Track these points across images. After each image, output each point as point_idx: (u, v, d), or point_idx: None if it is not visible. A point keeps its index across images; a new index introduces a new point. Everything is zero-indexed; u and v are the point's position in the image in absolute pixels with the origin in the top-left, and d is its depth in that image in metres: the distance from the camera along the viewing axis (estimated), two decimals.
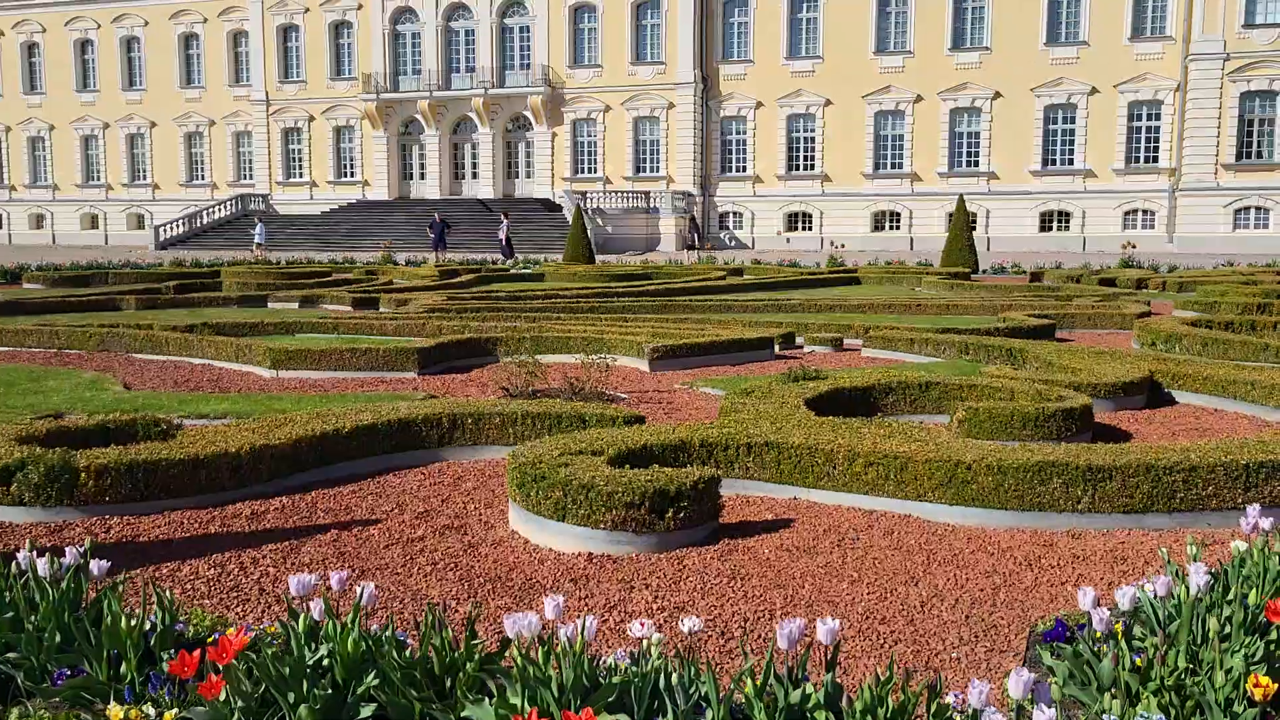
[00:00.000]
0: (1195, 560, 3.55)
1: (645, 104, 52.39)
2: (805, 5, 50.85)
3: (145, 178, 61.92)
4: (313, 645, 3.13)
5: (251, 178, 59.46)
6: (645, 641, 2.91)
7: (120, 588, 3.48)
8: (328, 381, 10.29)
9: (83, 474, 5.58)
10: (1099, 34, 46.86)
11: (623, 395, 9.38)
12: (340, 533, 5.36)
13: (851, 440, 5.94)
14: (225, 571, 4.76)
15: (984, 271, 29.38)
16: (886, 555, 5.01)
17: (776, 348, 12.33)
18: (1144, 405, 8.85)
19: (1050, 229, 48.44)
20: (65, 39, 62.27)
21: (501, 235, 37.92)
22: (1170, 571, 3.58)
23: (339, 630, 3.08)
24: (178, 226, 53.63)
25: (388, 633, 3.11)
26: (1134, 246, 34.42)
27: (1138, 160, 47.30)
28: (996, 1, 48.12)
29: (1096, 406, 8.38)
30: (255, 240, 43.88)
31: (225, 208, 56.22)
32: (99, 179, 62.85)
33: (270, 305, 18.82)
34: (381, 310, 17.16)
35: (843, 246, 42.85)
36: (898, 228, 50.41)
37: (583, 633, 2.88)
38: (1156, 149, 47.08)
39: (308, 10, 56.92)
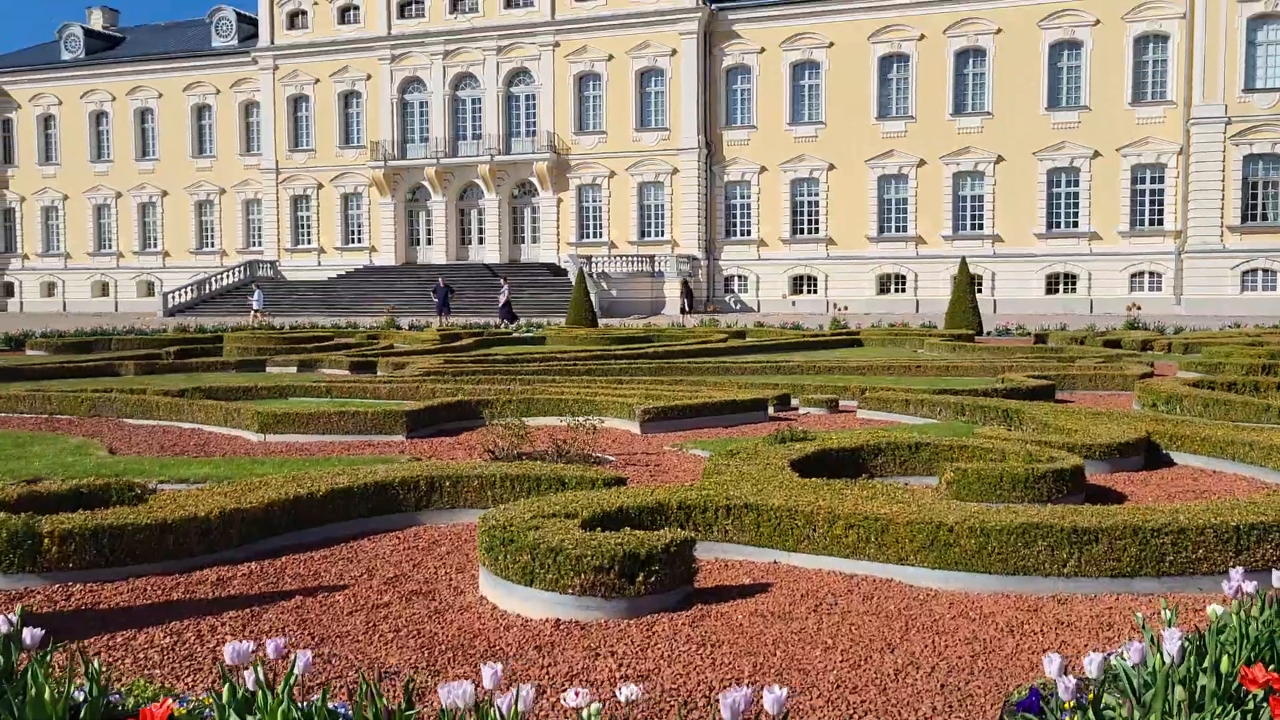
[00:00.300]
0: (1170, 625, 3.40)
1: (650, 169, 52.91)
2: (807, 72, 51.53)
3: (156, 245, 62.58)
4: (245, 717, 3.00)
5: (260, 244, 60.02)
6: (584, 712, 2.78)
7: (50, 657, 3.35)
8: (315, 445, 10.20)
9: (46, 540, 5.47)
10: (1100, 99, 47.31)
11: (610, 457, 9.26)
12: (305, 599, 5.23)
13: (832, 502, 5.81)
14: (181, 640, 4.62)
15: (988, 333, 29.30)
16: (863, 621, 4.85)
17: (771, 409, 12.22)
18: (1141, 467, 8.68)
19: (1057, 291, 48.46)
20: (81, 111, 63.38)
21: (501, 299, 38.05)
22: (1146, 637, 3.43)
23: (268, 701, 2.95)
24: (186, 293, 54.03)
25: (320, 703, 2.98)
26: (1139, 308, 34.34)
27: (1143, 223, 47.45)
28: (997, 68, 48.69)
29: (1091, 468, 8.24)
30: (254, 307, 44.19)
31: (233, 274, 56.68)
32: (110, 247, 63.53)
33: (268, 370, 18.80)
34: (378, 374, 17.11)
35: (845, 309, 42.87)
36: (903, 290, 50.49)
37: (518, 703, 2.74)
38: (1161, 211, 47.23)
39: (318, 81, 57.86)
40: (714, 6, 51.69)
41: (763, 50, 51.71)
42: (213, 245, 61.47)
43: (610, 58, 53.01)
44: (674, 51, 52.10)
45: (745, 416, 11.42)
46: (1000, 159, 49.01)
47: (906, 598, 5.22)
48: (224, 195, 60.84)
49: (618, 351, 19.98)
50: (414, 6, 56.15)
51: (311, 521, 6.44)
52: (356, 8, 57.13)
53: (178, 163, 61.51)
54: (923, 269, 49.84)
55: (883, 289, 50.86)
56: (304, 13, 58.10)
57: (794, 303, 51.03)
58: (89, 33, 65.23)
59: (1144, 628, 3.52)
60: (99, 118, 63.45)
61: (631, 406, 10.92)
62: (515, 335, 28.00)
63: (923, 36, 49.64)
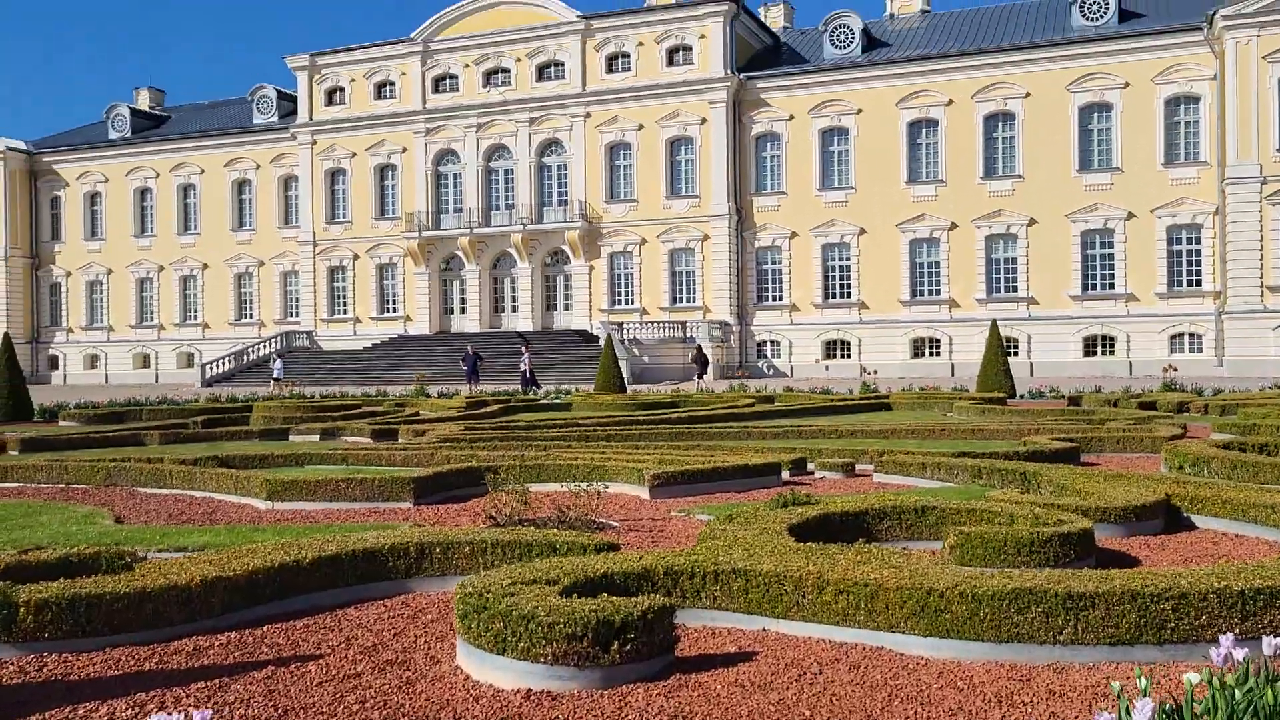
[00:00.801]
0: (1144, 695, 3.22)
1: (680, 236, 53.21)
2: (836, 138, 51.84)
3: (196, 317, 63.59)
4: None
5: (298, 315, 60.82)
6: None
7: None
8: (322, 512, 10.14)
9: (22, 609, 5.42)
10: (1132, 160, 47.15)
11: (614, 523, 9.12)
12: (277, 669, 5.12)
13: (822, 567, 5.64)
14: (143, 712, 4.53)
15: (1021, 396, 28.90)
16: (847, 692, 4.67)
17: (787, 474, 12.04)
18: (1161, 530, 8.41)
19: (1095, 353, 47.87)
20: (126, 187, 64.98)
21: (523, 367, 38.24)
22: (1121, 706, 3.25)
23: None
24: (224, 364, 54.72)
25: None
26: (1175, 370, 33.76)
27: (1180, 284, 46.93)
28: (1027, 131, 48.74)
29: (1106, 531, 8.00)
30: (274, 376, 44.72)
31: (269, 345, 57.37)
32: (152, 319, 64.63)
33: (291, 438, 18.86)
34: (399, 441, 17.09)
35: (875, 373, 42.56)
36: (937, 354, 50.11)
37: None
38: (1199, 272, 46.72)
39: (354, 155, 59.01)
40: (743, 76, 52.31)
41: (791, 117, 52.16)
42: (251, 316, 62.38)
43: (640, 127, 53.68)
44: (704, 120, 52.68)
45: (758, 481, 11.24)
46: (1033, 221, 48.81)
47: (895, 667, 5.02)
48: (263, 267, 61.88)
49: (639, 417, 19.88)
50: (448, 81, 57.32)
51: (298, 589, 6.35)
52: (392, 83, 58.42)
53: (218, 236, 62.75)
54: (956, 332, 49.47)
55: (917, 353, 50.51)
56: (341, 89, 59.48)
57: (827, 367, 50.78)
58: (135, 112, 67.13)
59: (1120, 698, 3.34)
60: (143, 194, 64.99)
61: (641, 471, 10.79)
62: (543, 402, 27.98)
63: (951, 101, 49.87)
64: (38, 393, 48.83)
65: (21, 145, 67.46)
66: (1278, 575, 5.17)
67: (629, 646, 4.81)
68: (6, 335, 27.15)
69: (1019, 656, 5.07)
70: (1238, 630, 5.03)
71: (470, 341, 49.37)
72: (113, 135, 66.12)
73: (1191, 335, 46.39)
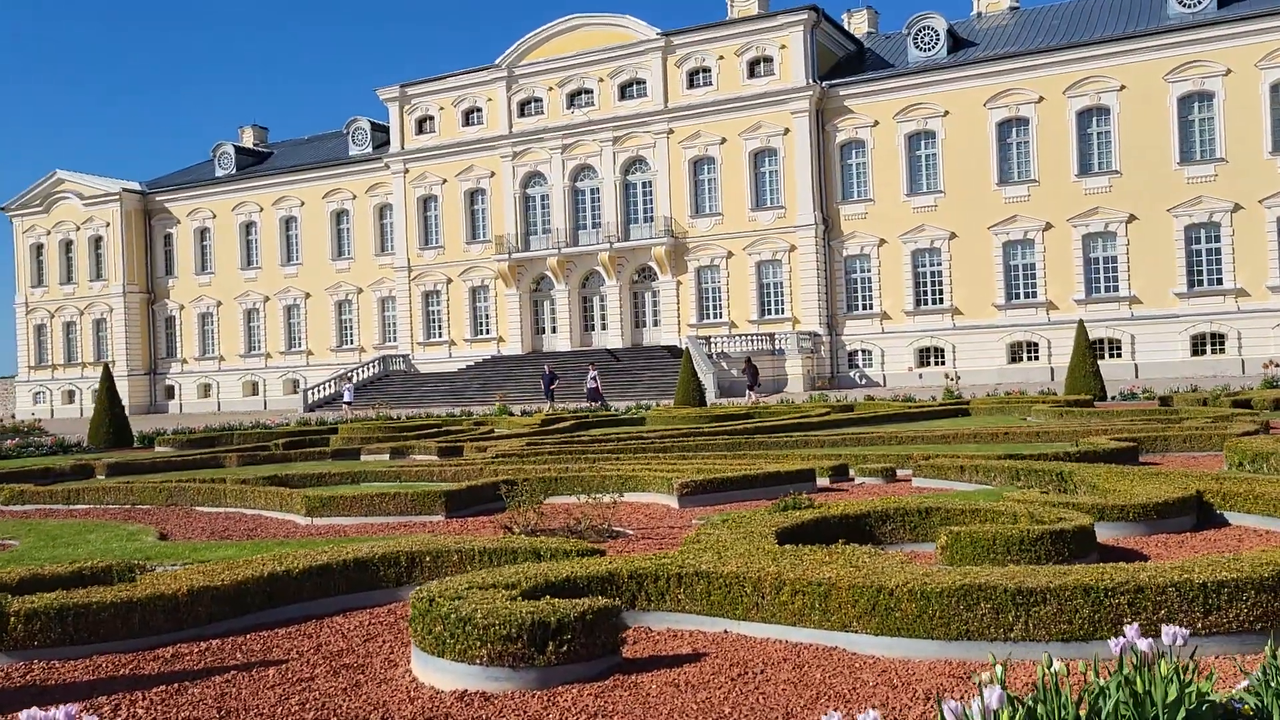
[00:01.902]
0: (997, 684, 3.14)
1: (767, 248, 52.97)
2: (923, 142, 51.04)
3: (300, 345, 65.60)
4: None
5: (395, 340, 62.29)
6: None
7: None
8: (356, 527, 10.41)
9: (12, 618, 5.72)
10: (1237, 150, 45.31)
11: (629, 531, 9.15)
12: (239, 674, 5.29)
13: (782, 568, 5.59)
14: (99, 716, 4.73)
15: (1113, 398, 27.98)
16: (777, 691, 4.62)
17: (826, 480, 11.92)
18: (1192, 528, 8.09)
19: (1203, 352, 46.01)
20: (232, 222, 67.49)
21: (590, 384, 38.67)
22: (980, 697, 3.17)
23: None
24: (325, 389, 56.34)
25: None
26: (1278, 366, 32.23)
27: None
28: (1123, 125, 47.26)
29: (1122, 530, 7.74)
30: (344, 400, 45.82)
31: (368, 369, 58.85)
32: (259, 348, 66.89)
33: (363, 458, 19.34)
34: (465, 457, 17.39)
35: (958, 379, 41.62)
36: (1036, 358, 48.79)
37: None
38: None
39: (445, 181, 60.31)
40: (825, 84, 51.91)
41: (876, 123, 51.53)
42: (351, 342, 64.13)
43: (723, 141, 53.67)
44: (787, 131, 52.42)
45: (790, 488, 11.12)
46: (1132, 218, 47.24)
47: (841, 666, 4.95)
48: (361, 294, 63.59)
49: (705, 429, 19.85)
50: (533, 104, 58.22)
51: (287, 599, 6.55)
52: (480, 110, 59.58)
53: (319, 266, 64.73)
54: (1055, 335, 48.06)
55: (1014, 357, 49.26)
56: (431, 117, 60.90)
57: (920, 375, 49.82)
58: (239, 150, 69.81)
59: (981, 687, 3.25)
60: (248, 227, 67.47)
61: (670, 481, 10.80)
62: (622, 416, 28.13)
63: (1041, 99, 48.65)
64: (154, 421, 51.07)
65: (136, 186, 70.76)
66: (1246, 567, 4.94)
67: (565, 648, 4.85)
68: (107, 368, 28.48)
69: (968, 654, 4.95)
70: (1200, 625, 4.83)
71: (548, 361, 49.85)
72: (219, 173, 68.86)
73: None
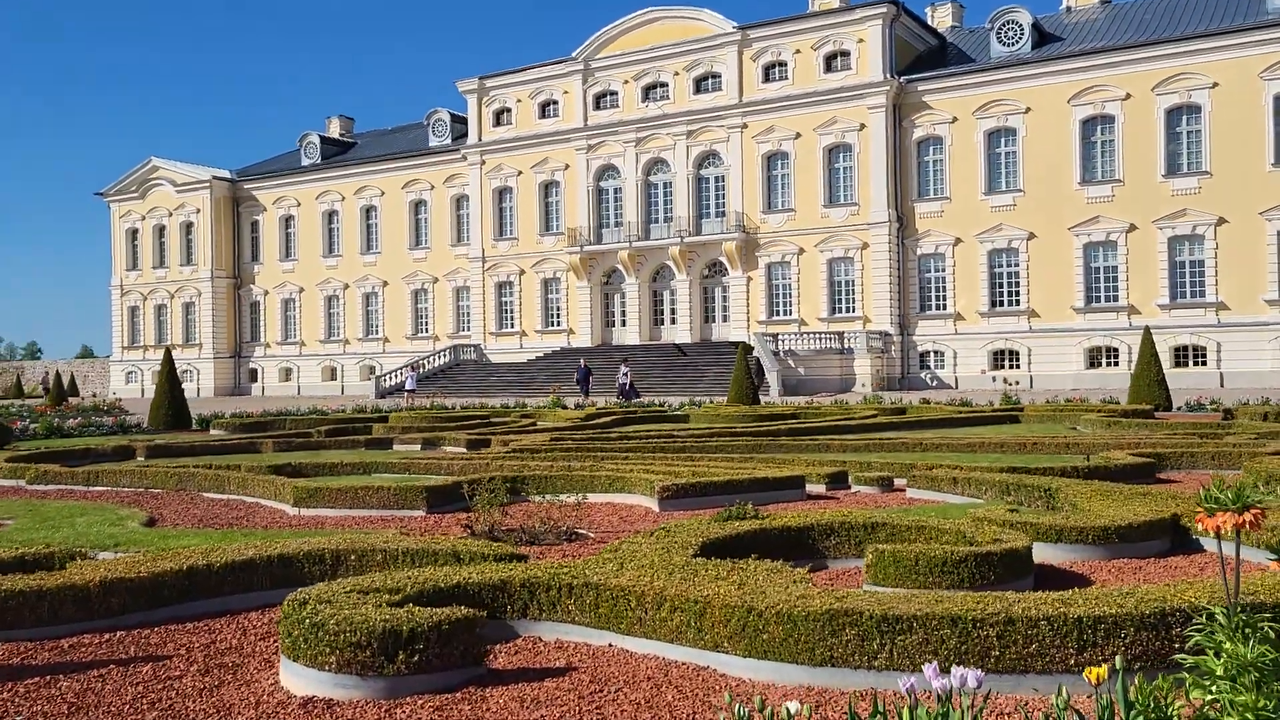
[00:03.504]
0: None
1: (839, 245, 52.26)
2: (1003, 139, 49.80)
3: (377, 332, 66.78)
4: None
5: (469, 329, 63.03)
6: None
7: None
8: (340, 519, 10.52)
9: None
10: None
11: (591, 534, 9.07)
12: (114, 669, 5.35)
13: (667, 584, 5.47)
14: None
15: (1179, 408, 26.97)
16: (619, 713, 4.51)
17: (823, 487, 11.69)
18: (1161, 553, 7.73)
19: None
20: (315, 211, 68.95)
21: (621, 380, 38.65)
22: None
23: None
24: (396, 376, 57.21)
25: None
26: None
27: None
28: (1214, 124, 45.47)
29: (1082, 553, 7.43)
30: (407, 388, 46.54)
31: (440, 357, 59.66)
32: (338, 334, 68.27)
33: (395, 447, 19.59)
34: (481, 451, 17.48)
35: (1016, 384, 40.63)
36: (1115, 364, 47.25)
37: None
38: None
39: (520, 173, 60.76)
40: (903, 79, 50.96)
41: (954, 120, 50.43)
42: (426, 331, 65.06)
43: (798, 136, 53.09)
44: (862, 126, 51.62)
45: (777, 495, 10.94)
46: (1222, 220, 45.44)
47: (702, 688, 4.81)
48: (436, 284, 64.46)
49: (738, 428, 19.65)
50: (608, 97, 58.29)
51: (207, 593, 6.62)
52: (555, 102, 59.88)
53: (397, 255, 65.79)
54: (1136, 340, 45.96)
55: (1092, 363, 47.82)
56: (508, 110, 61.41)
57: (994, 378, 48.66)
58: (325, 140, 71.30)
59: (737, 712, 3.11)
60: (330, 216, 68.88)
61: (653, 484, 10.70)
62: (668, 413, 28.02)
63: (1128, 96, 47.07)
64: (237, 403, 52.56)
65: (226, 174, 72.78)
66: (1128, 602, 4.67)
67: (417, 658, 4.80)
68: (168, 351, 29.29)
69: (833, 681, 4.77)
70: (1073, 661, 4.58)
71: (630, 353, 49.89)
72: (304, 162, 70.40)
73: None
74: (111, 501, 12.19)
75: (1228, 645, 3.45)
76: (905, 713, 3.19)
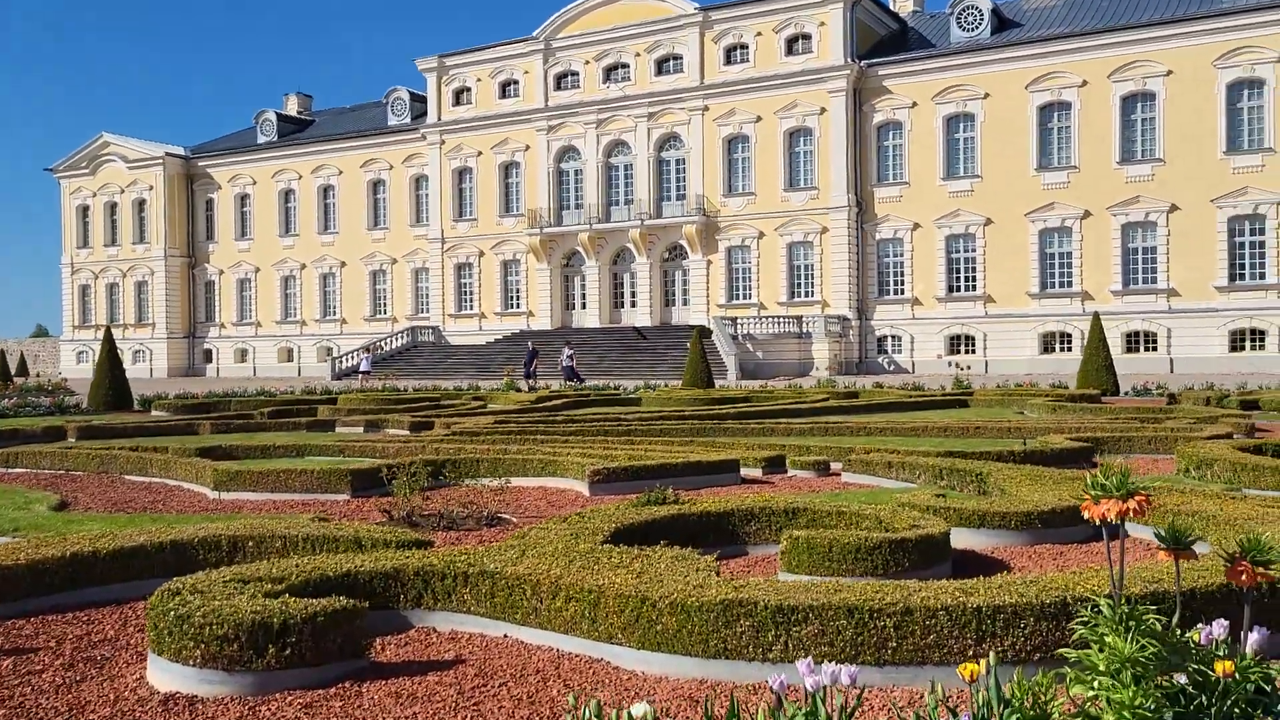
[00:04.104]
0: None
1: (799, 229, 52.20)
2: (962, 125, 49.87)
3: (335, 313, 66.03)
4: None
5: (428, 311, 62.46)
6: None
7: None
8: (262, 503, 10.21)
9: None
10: None
11: (514, 519, 8.84)
12: None
13: (563, 572, 5.25)
14: None
15: (1126, 393, 27.12)
16: (497, 709, 4.29)
17: (759, 471, 11.53)
18: (1085, 538, 7.61)
19: (1242, 348, 44.58)
20: (272, 189, 67.95)
21: (565, 363, 38.51)
22: None
23: None
24: (354, 357, 56.58)
25: None
26: None
27: None
28: (1168, 112, 45.75)
29: (1004, 539, 7.30)
30: (361, 369, 46.27)
31: (398, 339, 59.08)
32: (295, 315, 67.44)
33: (337, 429, 19.23)
34: (433, 432, 17.19)
35: (967, 369, 40.89)
36: (1069, 349, 47.53)
37: None
38: None
39: (480, 154, 60.18)
40: (863, 63, 50.87)
41: (914, 105, 50.44)
42: (385, 312, 64.39)
43: (758, 119, 52.89)
44: (823, 110, 51.50)
45: (711, 479, 10.76)
46: (1174, 208, 45.82)
47: (589, 681, 4.61)
48: (395, 265, 63.77)
49: (686, 412, 19.48)
50: (569, 78, 57.78)
51: (94, 580, 6.33)
52: (516, 82, 59.30)
53: (355, 235, 64.99)
54: (1089, 326, 46.73)
55: (1046, 348, 48.12)
56: (468, 89, 60.74)
57: (950, 363, 48.85)
58: (282, 117, 70.20)
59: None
60: (287, 195, 67.89)
61: (584, 467, 10.48)
62: (621, 396, 27.82)
63: (1085, 83, 47.27)
64: (190, 384, 51.70)
65: (180, 151, 71.51)
66: (1030, 591, 4.52)
67: (289, 651, 4.55)
68: (108, 330, 28.65)
69: (727, 674, 4.58)
70: (972, 653, 4.42)
71: (588, 338, 49.63)
72: (261, 140, 69.32)
73: None
74: (27, 485, 11.80)
75: (1109, 639, 3.28)
76: (760, 714, 2.99)
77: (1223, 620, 3.51)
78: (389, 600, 5.48)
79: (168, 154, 70.06)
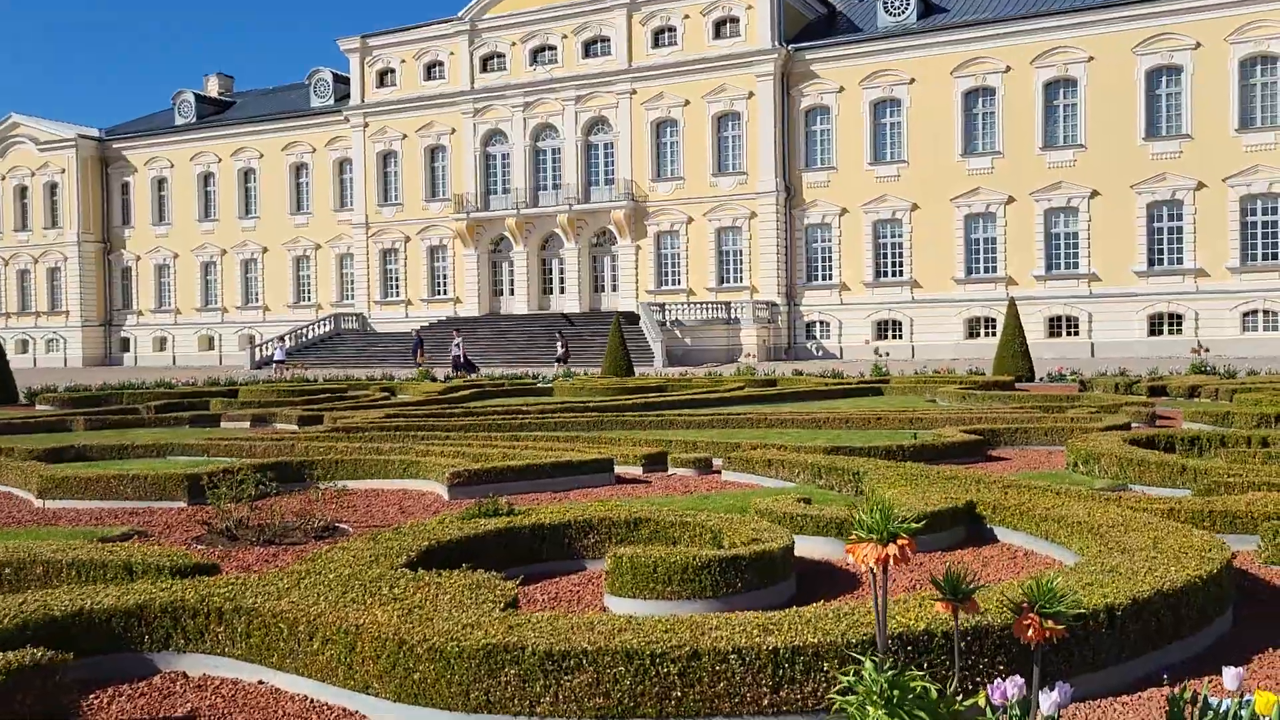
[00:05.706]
0: None
1: (728, 214, 51.79)
2: (889, 110, 49.75)
3: (257, 300, 64.41)
4: None
5: (353, 298, 61.15)
6: None
7: None
8: (91, 511, 9.39)
9: None
10: (1204, 127, 44.14)
11: (352, 530, 8.14)
12: None
13: (325, 608, 4.59)
14: None
15: (1042, 379, 27.02)
16: None
17: (639, 469, 10.94)
18: (956, 544, 7.12)
19: (1160, 333, 45.04)
20: (190, 173, 66.04)
21: (454, 352, 37.95)
22: None
23: None
24: (272, 346, 55.16)
25: None
26: (1207, 350, 31.27)
27: (1255, 258, 43.80)
28: (1090, 98, 46.00)
29: None
30: (275, 359, 45.41)
31: (320, 326, 57.74)
32: (216, 303, 65.71)
33: (223, 425, 18.32)
34: (320, 427, 16.36)
35: (887, 354, 40.94)
36: (993, 334, 47.60)
37: None
38: (1276, 244, 43.50)
39: (405, 137, 58.90)
40: (791, 47, 50.51)
41: (842, 89, 50.21)
42: (309, 299, 62.91)
43: (687, 103, 52.32)
44: (751, 94, 51.07)
45: (584, 480, 10.13)
46: (1095, 193, 46.12)
47: None
48: (319, 250, 62.30)
49: (590, 404, 18.87)
50: (495, 60, 56.72)
51: None
52: (441, 64, 58.07)
53: (277, 220, 63.37)
54: (1005, 312, 46.91)
55: (971, 333, 48.28)
56: (392, 70, 59.38)
57: (877, 349, 48.76)
58: (201, 99, 68.17)
59: None
60: (206, 179, 66.00)
61: (445, 469, 9.80)
62: (533, 385, 27.13)
63: (1009, 69, 47.36)
64: (107, 374, 49.84)
65: (94, 132, 69.17)
66: (838, 627, 3.94)
67: None
68: None
69: None
70: (767, 701, 3.83)
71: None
72: (178, 121, 67.29)
73: (1268, 313, 43.28)
74: None
75: (870, 710, 2.71)
76: None
77: (1017, 678, 2.95)
78: (131, 642, 4.77)
79: (80, 135, 67.71)
